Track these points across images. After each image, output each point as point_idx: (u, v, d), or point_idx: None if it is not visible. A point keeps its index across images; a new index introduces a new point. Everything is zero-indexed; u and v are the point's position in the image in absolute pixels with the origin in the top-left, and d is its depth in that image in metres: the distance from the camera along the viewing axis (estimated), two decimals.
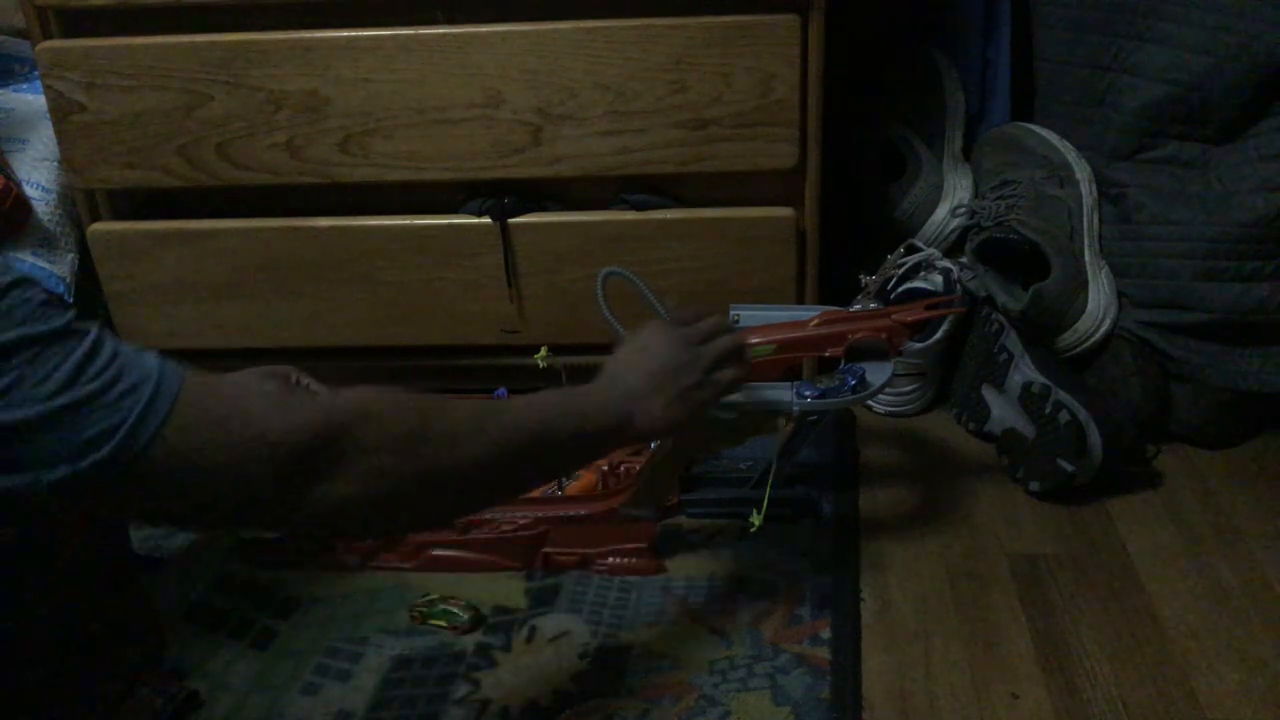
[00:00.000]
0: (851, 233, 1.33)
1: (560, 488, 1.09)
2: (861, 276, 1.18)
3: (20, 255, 1.16)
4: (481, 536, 1.01)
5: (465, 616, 0.93)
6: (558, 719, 0.84)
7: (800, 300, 1.19)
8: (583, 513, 1.01)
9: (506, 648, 0.91)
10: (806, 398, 0.93)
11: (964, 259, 1.25)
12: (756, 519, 0.99)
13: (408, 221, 1.18)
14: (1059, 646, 0.90)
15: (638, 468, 1.07)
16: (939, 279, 1.21)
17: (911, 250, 1.22)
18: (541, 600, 0.97)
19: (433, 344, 1.24)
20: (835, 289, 1.23)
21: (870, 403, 1.25)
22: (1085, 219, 1.22)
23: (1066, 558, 1.01)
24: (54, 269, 1.18)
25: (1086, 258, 1.21)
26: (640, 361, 0.81)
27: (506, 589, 0.98)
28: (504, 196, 1.17)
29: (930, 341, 1.21)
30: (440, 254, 1.19)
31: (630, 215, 1.17)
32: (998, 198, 1.25)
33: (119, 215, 1.22)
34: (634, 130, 1.12)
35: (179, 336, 1.23)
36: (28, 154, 1.22)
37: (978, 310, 1.22)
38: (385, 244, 1.19)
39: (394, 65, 1.10)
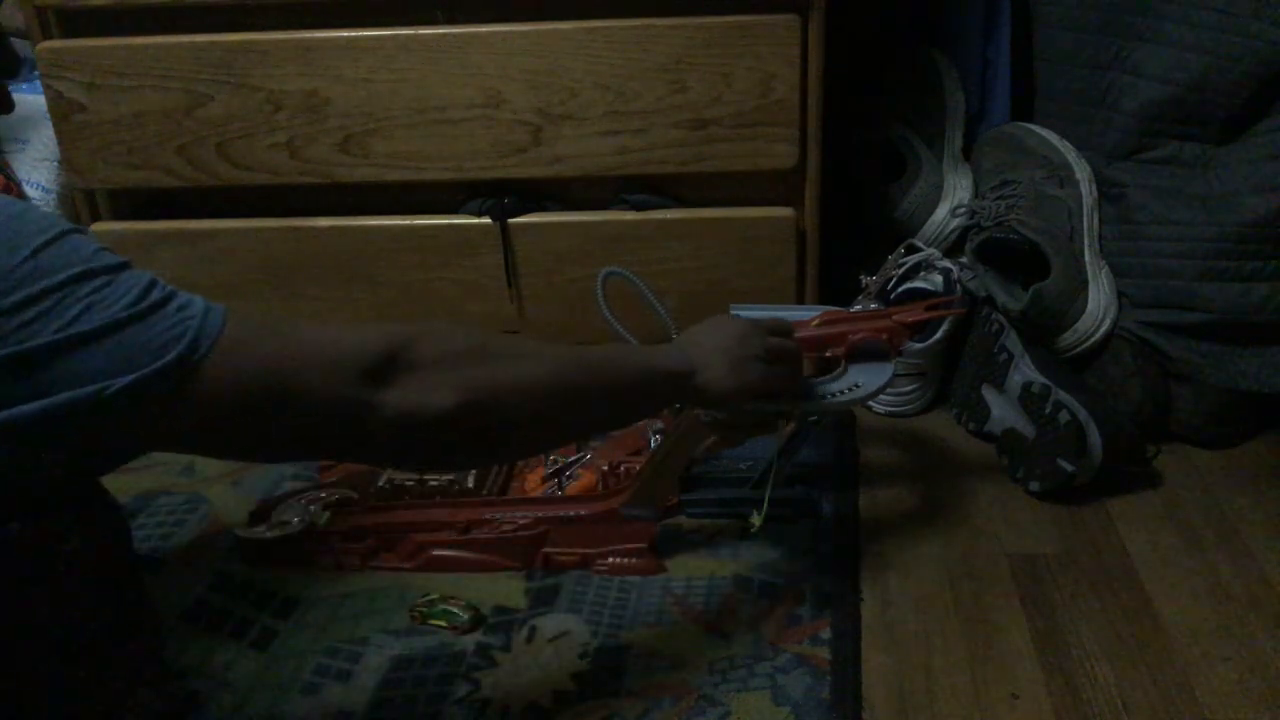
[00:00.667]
0: (851, 233, 1.33)
1: (560, 488, 1.09)
2: (862, 277, 1.18)
3: None
4: (481, 536, 1.01)
5: (465, 616, 0.93)
6: None
7: (800, 300, 1.19)
8: (583, 513, 1.01)
9: (506, 648, 0.91)
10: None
11: (964, 259, 1.25)
12: (756, 519, 0.98)
13: (408, 221, 1.19)
14: (1059, 646, 0.90)
15: (638, 468, 1.07)
16: (939, 279, 1.21)
17: (911, 250, 1.22)
18: (541, 600, 0.97)
19: None
20: (835, 289, 1.23)
21: (870, 403, 1.25)
22: (1085, 219, 1.22)
23: (1066, 558, 1.00)
24: None
25: (1086, 258, 1.21)
26: (708, 334, 0.86)
27: (506, 589, 0.98)
28: (504, 196, 1.17)
29: (930, 342, 1.21)
30: (440, 254, 1.19)
31: (630, 215, 1.17)
32: (998, 198, 1.25)
33: (119, 215, 1.22)
34: (634, 130, 1.12)
35: None
36: (28, 154, 1.22)
37: (978, 310, 1.22)
38: (385, 244, 1.19)
39: (394, 65, 1.10)
